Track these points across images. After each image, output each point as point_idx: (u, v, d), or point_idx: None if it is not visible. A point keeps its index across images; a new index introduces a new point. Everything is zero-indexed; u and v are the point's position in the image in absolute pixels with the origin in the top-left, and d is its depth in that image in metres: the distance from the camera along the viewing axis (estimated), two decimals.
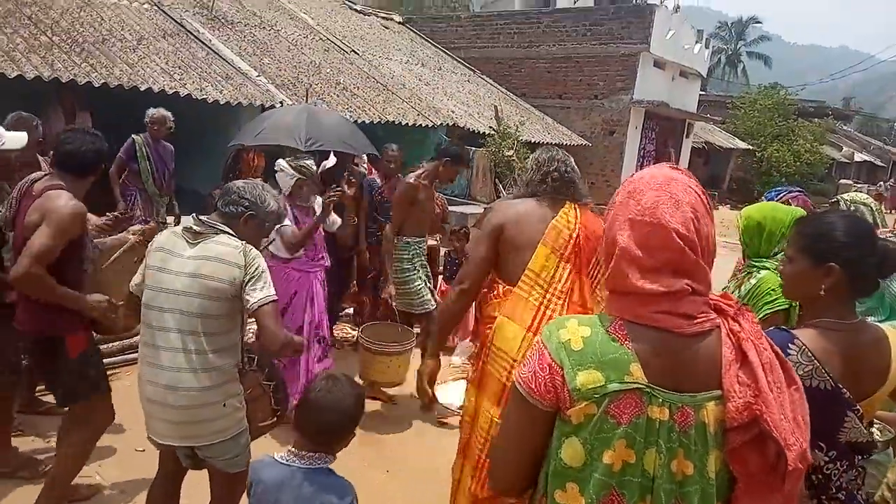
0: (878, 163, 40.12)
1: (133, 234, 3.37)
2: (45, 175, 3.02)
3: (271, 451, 2.15)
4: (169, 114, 6.28)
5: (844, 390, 1.66)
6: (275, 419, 2.93)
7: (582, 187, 2.96)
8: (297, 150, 5.10)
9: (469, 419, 2.81)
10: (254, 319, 2.51)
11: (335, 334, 6.33)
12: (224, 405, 2.51)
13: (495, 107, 13.32)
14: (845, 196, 3.72)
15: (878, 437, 1.83)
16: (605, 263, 1.40)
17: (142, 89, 7.93)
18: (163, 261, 2.50)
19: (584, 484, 1.30)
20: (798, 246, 1.83)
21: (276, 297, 2.51)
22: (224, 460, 2.57)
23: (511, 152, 11.63)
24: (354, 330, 6.42)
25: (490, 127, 12.98)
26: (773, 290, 2.70)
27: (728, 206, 21.22)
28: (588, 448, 1.29)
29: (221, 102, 8.59)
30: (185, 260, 2.47)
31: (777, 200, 3.24)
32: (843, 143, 34.38)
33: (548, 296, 2.69)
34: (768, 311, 2.68)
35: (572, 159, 3.01)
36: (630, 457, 1.28)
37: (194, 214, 2.59)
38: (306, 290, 4.38)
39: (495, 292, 2.84)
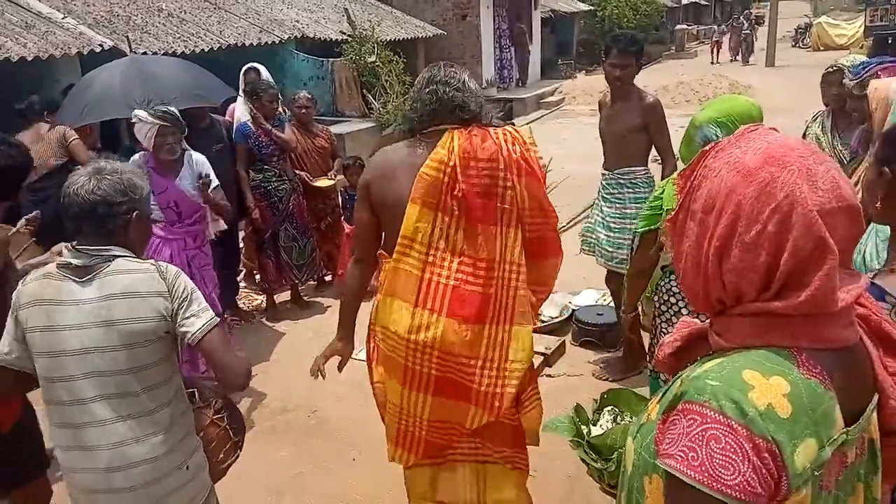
0: (702, 2, 42.02)
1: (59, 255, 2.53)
2: None
3: None
4: None
5: None
6: (237, 453, 2.46)
7: (475, 104, 2.31)
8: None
9: (380, 386, 2.52)
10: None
11: (241, 306, 5.69)
12: (187, 467, 2.00)
13: (346, 10, 12.22)
14: (846, 62, 3.47)
15: None
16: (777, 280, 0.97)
17: None
18: (48, 316, 1.86)
19: None
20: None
21: (217, 318, 1.98)
22: None
23: (373, 57, 10.76)
24: (261, 296, 5.84)
25: (341, 32, 11.95)
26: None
27: (584, 72, 21.40)
28: None
29: (29, 58, 7.17)
30: (84, 307, 1.85)
31: (865, 75, 2.83)
32: None
33: (430, 259, 2.25)
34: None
35: (463, 73, 2.35)
36: None
37: (67, 245, 1.94)
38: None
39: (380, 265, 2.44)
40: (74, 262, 1.88)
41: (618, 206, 4.09)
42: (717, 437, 0.89)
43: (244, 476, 3.42)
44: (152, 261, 1.97)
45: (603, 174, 4.22)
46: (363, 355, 4.65)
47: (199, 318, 1.92)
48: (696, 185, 1.02)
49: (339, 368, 2.68)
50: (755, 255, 0.95)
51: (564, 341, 4.63)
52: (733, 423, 0.89)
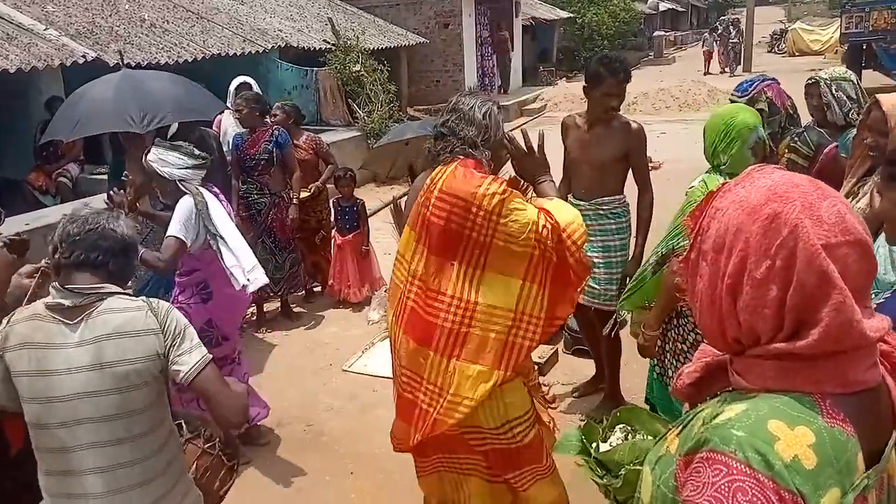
0: (679, 8, 42.51)
1: (28, 277, 2.25)
2: None
3: None
4: None
5: None
6: (234, 476, 2.44)
7: (470, 133, 2.37)
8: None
9: None
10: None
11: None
12: None
13: (329, 19, 12.20)
14: (823, 75, 3.48)
15: None
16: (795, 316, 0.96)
17: None
18: (38, 361, 1.80)
19: None
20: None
21: (210, 354, 1.95)
22: None
23: (358, 66, 10.77)
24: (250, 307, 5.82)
25: (324, 41, 11.95)
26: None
27: (564, 79, 21.53)
28: None
29: (11, 71, 7.09)
30: (74, 350, 1.79)
31: (751, 92, 2.93)
32: None
33: (409, 278, 2.44)
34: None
35: (475, 100, 2.45)
36: None
37: (56, 284, 1.86)
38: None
39: None
40: (65, 302, 1.81)
41: (600, 238, 3.68)
42: (743, 489, 0.89)
43: (241, 493, 3.41)
44: (143, 298, 1.93)
45: (577, 205, 3.53)
46: (358, 367, 4.71)
47: (192, 355, 1.88)
48: (706, 225, 1.03)
49: None
50: (766, 290, 0.95)
51: (557, 350, 4.67)
52: (760, 475, 0.89)
